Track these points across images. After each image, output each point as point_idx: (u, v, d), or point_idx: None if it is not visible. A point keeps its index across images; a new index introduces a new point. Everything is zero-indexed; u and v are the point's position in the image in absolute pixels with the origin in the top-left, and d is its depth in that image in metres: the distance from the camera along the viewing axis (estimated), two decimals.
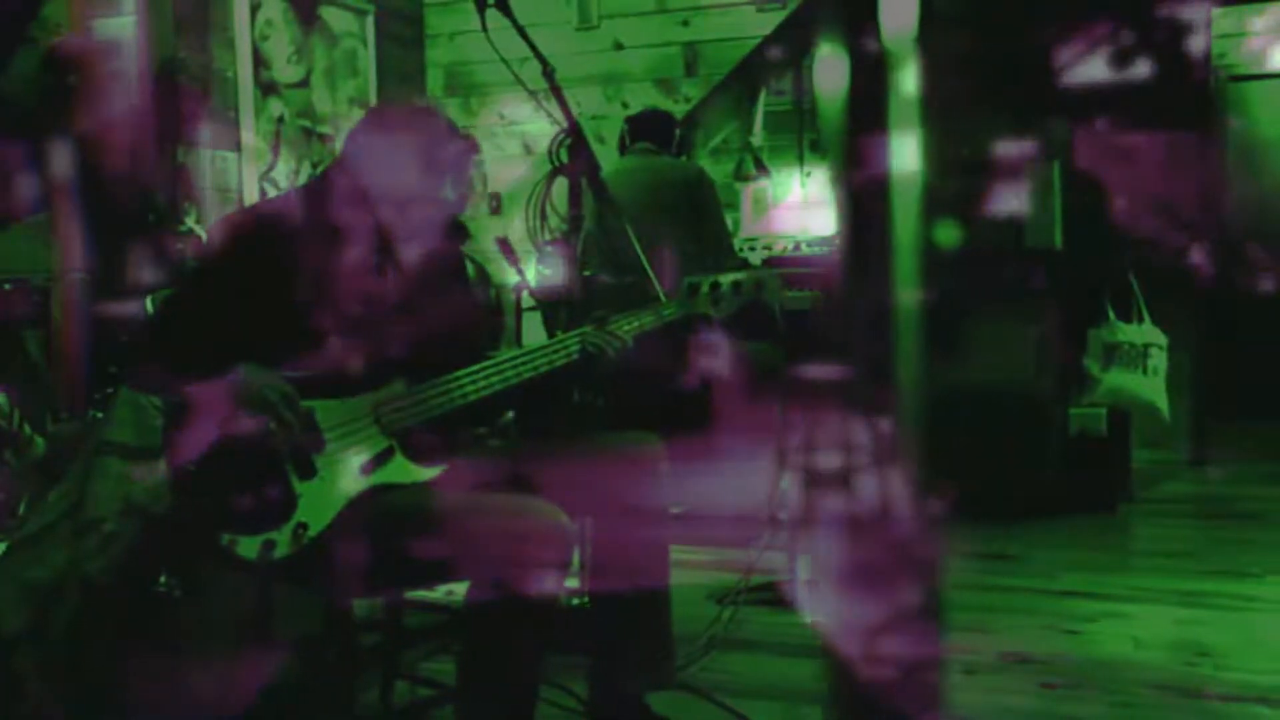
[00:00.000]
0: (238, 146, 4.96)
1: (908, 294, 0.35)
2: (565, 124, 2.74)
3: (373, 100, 5.82)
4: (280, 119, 5.25)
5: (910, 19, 0.36)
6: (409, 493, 1.97)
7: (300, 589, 2.16)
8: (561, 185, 3.17)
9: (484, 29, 2.63)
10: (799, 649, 3.00)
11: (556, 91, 2.70)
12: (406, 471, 1.98)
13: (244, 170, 4.99)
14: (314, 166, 5.44)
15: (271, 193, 5.07)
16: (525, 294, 4.34)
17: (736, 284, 2.43)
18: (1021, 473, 4.38)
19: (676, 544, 2.50)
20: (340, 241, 2.09)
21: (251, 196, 4.95)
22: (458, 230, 2.27)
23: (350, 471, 1.93)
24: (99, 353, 3.77)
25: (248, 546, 1.84)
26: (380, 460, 1.97)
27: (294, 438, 1.85)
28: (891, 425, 0.41)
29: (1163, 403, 4.50)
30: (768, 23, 5.31)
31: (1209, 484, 4.98)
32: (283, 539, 1.84)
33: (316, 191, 2.19)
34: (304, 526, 1.85)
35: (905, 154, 0.35)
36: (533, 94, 2.81)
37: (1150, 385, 4.48)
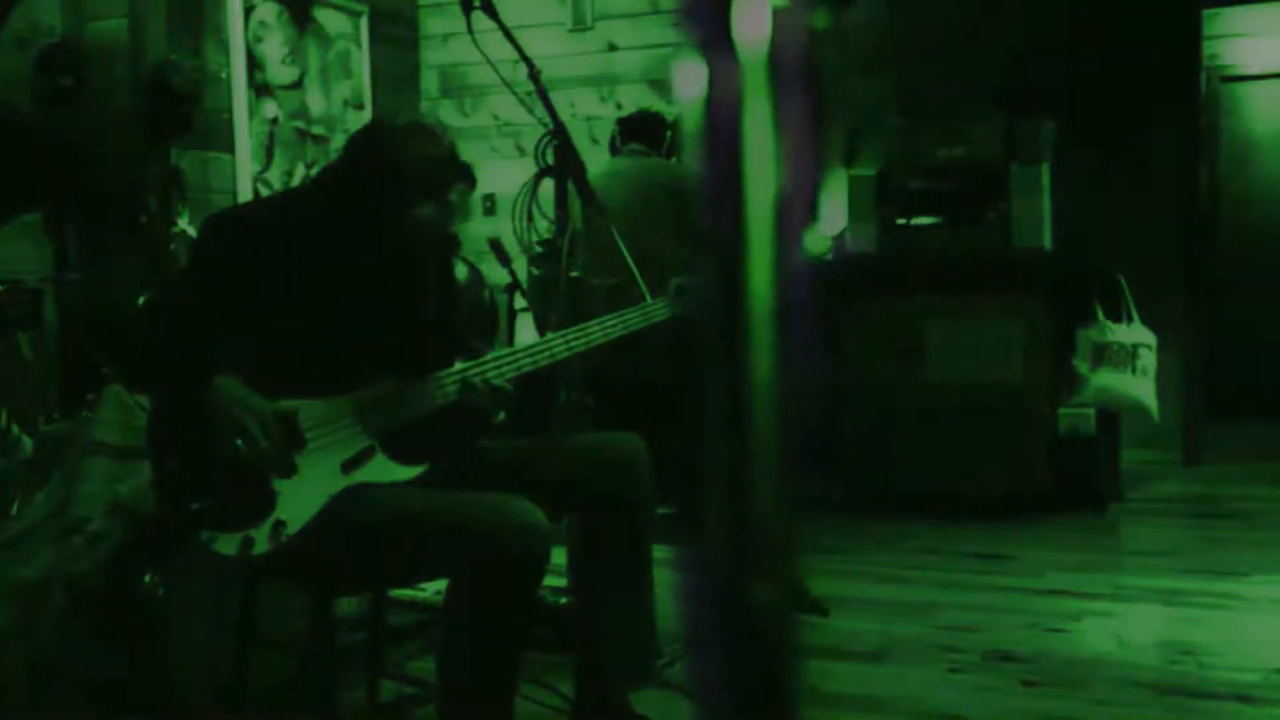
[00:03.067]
0: (231, 148, 4.97)
1: (762, 293, 0.37)
2: (552, 125, 2.76)
3: (367, 102, 5.83)
4: (274, 120, 5.26)
5: (765, 30, 0.37)
6: (390, 491, 1.99)
7: (282, 586, 2.19)
8: (549, 187, 3.19)
9: (469, 31, 2.65)
10: None
11: (542, 93, 2.72)
12: (388, 470, 2.00)
13: (238, 172, 5.00)
14: (308, 168, 5.45)
15: (265, 194, 5.08)
16: (517, 294, 4.36)
17: None
18: (1010, 472, 4.40)
19: (662, 543, 2.51)
20: (329, 243, 2.11)
21: (245, 198, 4.96)
22: (447, 239, 2.28)
23: (331, 470, 1.95)
24: (90, 353, 3.78)
25: (226, 543, 1.86)
26: (362, 459, 1.99)
27: (264, 460, 1.87)
28: (746, 417, 0.42)
29: (1152, 403, 4.52)
30: None
31: (1199, 483, 4.99)
32: (261, 536, 1.86)
33: (309, 193, 2.21)
34: (282, 524, 1.87)
35: (759, 159, 0.36)
36: (520, 97, 2.83)
37: (1139, 385, 4.50)
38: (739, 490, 0.45)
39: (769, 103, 0.37)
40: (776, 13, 0.37)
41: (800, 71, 0.38)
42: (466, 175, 2.16)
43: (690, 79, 0.40)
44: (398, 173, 2.06)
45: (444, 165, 2.10)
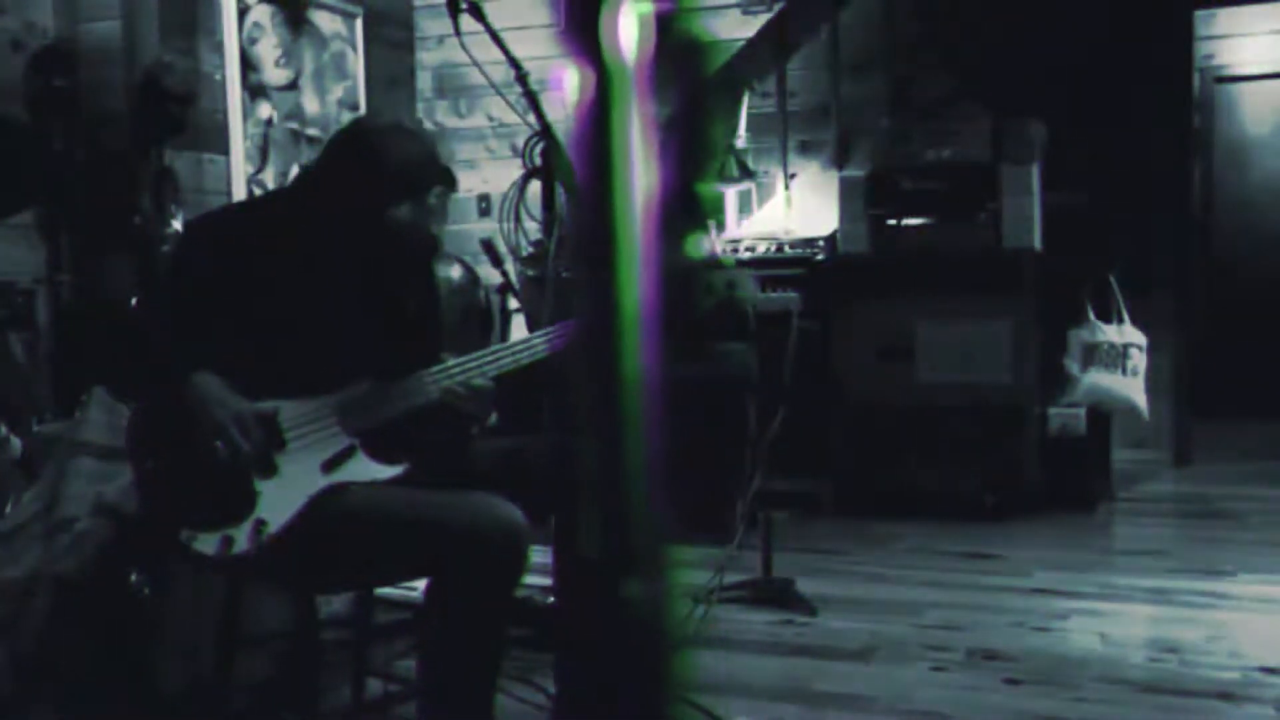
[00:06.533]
0: (226, 149, 4.98)
1: (630, 297, 0.38)
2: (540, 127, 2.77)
3: (362, 103, 5.85)
4: (269, 122, 5.28)
5: (632, 37, 0.38)
6: (370, 491, 2.00)
7: (266, 586, 2.20)
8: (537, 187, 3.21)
9: (457, 34, 2.67)
10: (770, 647, 3.04)
11: (530, 95, 2.73)
12: (368, 469, 2.01)
13: (232, 173, 5.02)
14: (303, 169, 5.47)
15: (259, 196, 5.09)
16: (510, 295, 4.38)
17: (708, 285, 2.46)
18: (1000, 472, 4.41)
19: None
20: (309, 243, 2.12)
21: (239, 199, 4.97)
22: (427, 240, 2.29)
23: (311, 470, 1.97)
24: (81, 354, 3.80)
25: (205, 543, 1.88)
26: (342, 458, 2.00)
27: (244, 460, 1.89)
28: (617, 416, 0.43)
29: (1142, 403, 4.54)
30: (753, 25, 5.34)
31: (1189, 483, 5.00)
32: (240, 536, 1.88)
33: (290, 194, 2.23)
34: (262, 523, 1.89)
35: (627, 165, 0.37)
36: (508, 100, 2.84)
37: (1130, 385, 4.51)
38: (613, 489, 0.47)
39: (638, 109, 0.39)
40: (643, 20, 0.38)
41: (674, 77, 0.39)
42: (446, 177, 2.17)
43: (562, 85, 0.41)
44: (375, 172, 2.08)
45: (422, 166, 2.12)
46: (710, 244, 4.78)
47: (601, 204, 0.36)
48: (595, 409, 0.41)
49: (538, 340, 2.23)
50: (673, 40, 0.39)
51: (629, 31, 0.38)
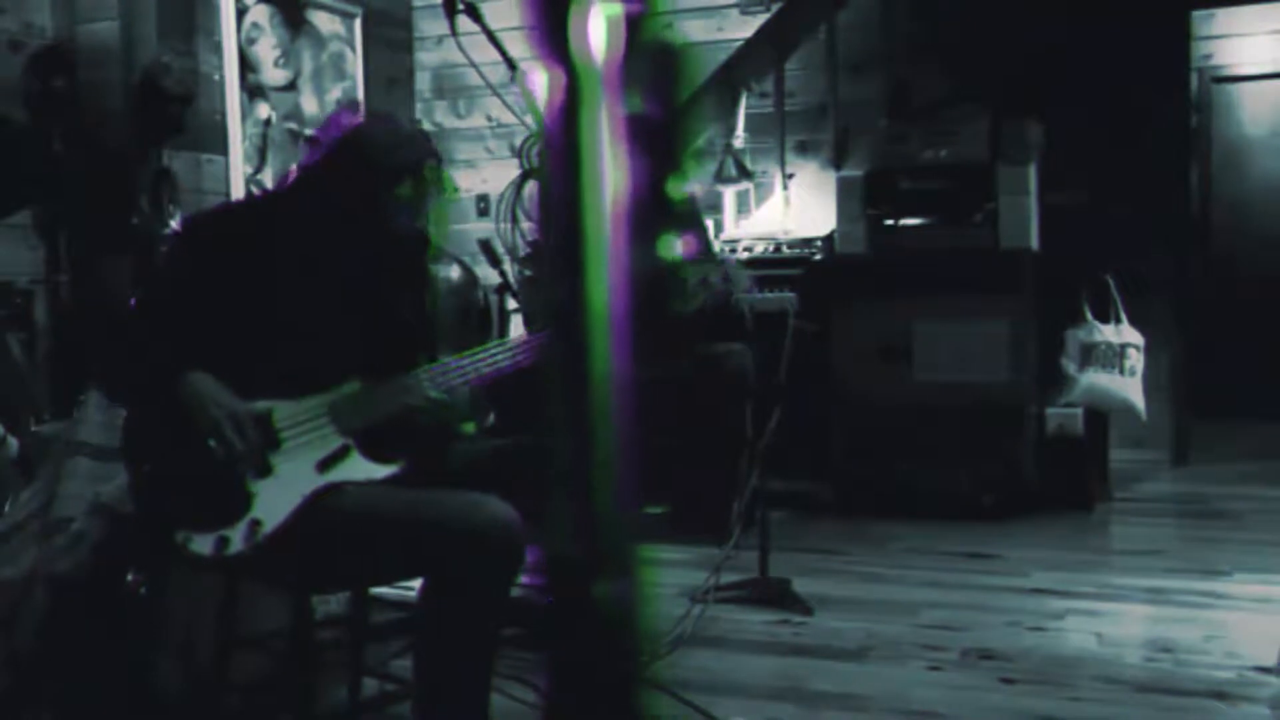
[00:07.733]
0: (224, 150, 4.99)
1: (599, 294, 0.38)
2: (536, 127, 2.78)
3: (361, 103, 5.85)
4: (267, 122, 5.28)
5: (600, 40, 0.39)
6: (365, 490, 2.00)
7: (262, 585, 2.20)
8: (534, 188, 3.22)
9: (453, 34, 2.67)
10: (766, 646, 3.04)
11: (526, 95, 2.74)
12: (363, 469, 2.02)
13: (230, 174, 5.03)
14: None
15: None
16: (508, 294, 4.38)
17: (703, 281, 2.46)
18: (998, 472, 4.41)
19: (654, 542, 2.52)
20: (301, 243, 2.12)
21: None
22: (417, 237, 2.29)
23: (306, 469, 1.97)
24: (80, 355, 3.80)
25: (201, 543, 1.88)
26: (337, 457, 2.00)
27: (239, 460, 1.90)
28: (587, 412, 0.44)
29: (1140, 403, 4.54)
30: (750, 25, 5.34)
31: (1186, 483, 5.00)
32: (236, 536, 1.88)
33: (282, 194, 2.23)
34: (257, 523, 1.89)
35: (595, 167, 0.37)
36: (505, 100, 2.86)
37: (1127, 385, 4.51)
38: (583, 487, 0.47)
39: (606, 111, 0.39)
40: (612, 21, 0.39)
41: (644, 79, 0.40)
42: (434, 151, 2.18)
43: (533, 89, 0.42)
44: (370, 156, 2.08)
45: (410, 143, 2.12)
46: (701, 241, 4.78)
47: (571, 204, 0.36)
48: (565, 407, 0.42)
49: (531, 341, 2.24)
50: (643, 42, 0.39)
51: (598, 33, 0.38)
